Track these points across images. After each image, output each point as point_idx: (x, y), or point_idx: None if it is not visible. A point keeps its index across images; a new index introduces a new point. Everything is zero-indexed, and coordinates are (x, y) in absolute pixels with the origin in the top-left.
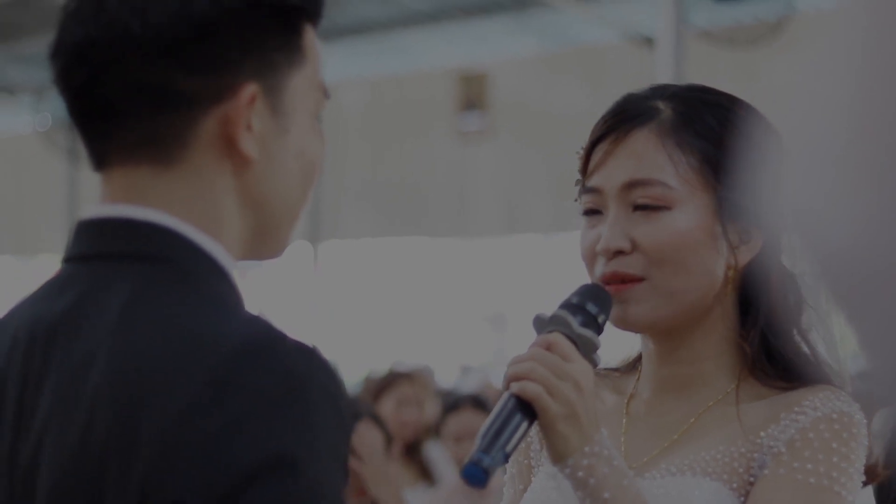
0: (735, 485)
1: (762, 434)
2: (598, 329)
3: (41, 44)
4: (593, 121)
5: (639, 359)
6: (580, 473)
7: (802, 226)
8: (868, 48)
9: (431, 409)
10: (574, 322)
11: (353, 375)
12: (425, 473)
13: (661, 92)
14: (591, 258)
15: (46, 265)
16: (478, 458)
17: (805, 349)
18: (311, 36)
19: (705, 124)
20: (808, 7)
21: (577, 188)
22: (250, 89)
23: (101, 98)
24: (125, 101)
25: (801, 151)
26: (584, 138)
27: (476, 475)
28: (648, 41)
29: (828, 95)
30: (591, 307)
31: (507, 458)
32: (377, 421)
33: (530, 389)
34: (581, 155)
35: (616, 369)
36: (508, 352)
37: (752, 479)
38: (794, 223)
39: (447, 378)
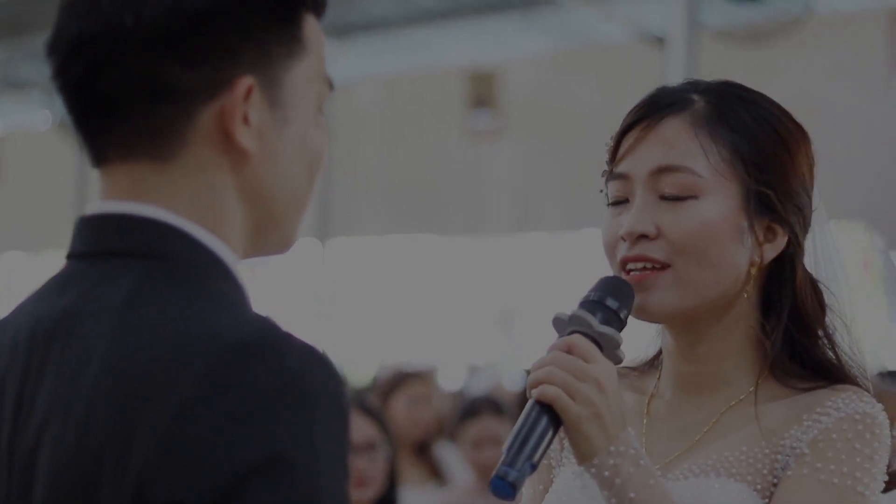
0: (759, 486)
1: (785, 436)
2: (620, 324)
3: None
4: (604, 119)
5: (657, 357)
6: (606, 473)
7: None
8: None
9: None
10: (594, 321)
11: (360, 373)
12: (436, 473)
13: (695, 85)
14: (613, 245)
15: (54, 261)
16: (504, 472)
17: (829, 350)
18: (312, 26)
19: (739, 119)
20: (822, 7)
21: (604, 178)
22: (246, 82)
23: (99, 93)
24: (122, 96)
25: None
26: (595, 137)
27: (503, 489)
28: (660, 40)
29: None
30: (611, 302)
31: (534, 467)
32: (368, 412)
33: (549, 392)
34: (610, 144)
35: (634, 368)
36: (516, 351)
37: (775, 480)
38: None
39: (455, 377)
